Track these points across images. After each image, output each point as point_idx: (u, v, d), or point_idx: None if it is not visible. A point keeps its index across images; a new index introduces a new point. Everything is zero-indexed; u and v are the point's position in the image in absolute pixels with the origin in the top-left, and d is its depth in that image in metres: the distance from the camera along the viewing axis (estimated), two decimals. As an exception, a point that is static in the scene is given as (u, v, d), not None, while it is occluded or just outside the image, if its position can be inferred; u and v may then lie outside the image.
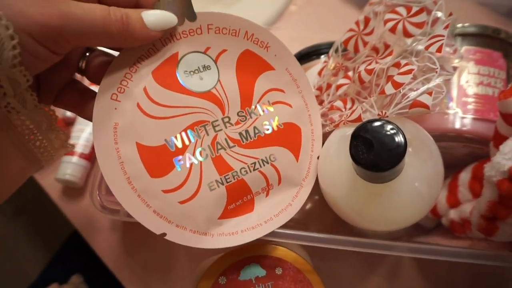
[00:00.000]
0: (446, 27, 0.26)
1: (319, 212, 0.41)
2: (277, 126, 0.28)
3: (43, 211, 0.70)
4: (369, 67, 0.28)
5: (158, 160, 0.25)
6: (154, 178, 0.24)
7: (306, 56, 0.39)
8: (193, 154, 0.26)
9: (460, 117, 0.32)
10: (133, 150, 0.24)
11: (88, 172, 0.40)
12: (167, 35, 0.25)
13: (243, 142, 0.27)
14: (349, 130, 0.26)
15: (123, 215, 0.27)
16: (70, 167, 0.39)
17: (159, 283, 0.38)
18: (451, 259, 0.27)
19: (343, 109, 0.30)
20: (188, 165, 0.25)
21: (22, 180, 0.24)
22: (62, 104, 0.26)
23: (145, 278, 0.38)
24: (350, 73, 0.32)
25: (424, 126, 0.34)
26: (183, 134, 0.25)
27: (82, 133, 0.41)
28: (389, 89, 0.24)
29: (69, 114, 0.43)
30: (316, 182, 0.29)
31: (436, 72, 0.23)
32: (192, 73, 0.26)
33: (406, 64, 0.25)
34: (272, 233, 0.29)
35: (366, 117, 0.25)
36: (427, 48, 0.25)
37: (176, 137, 0.25)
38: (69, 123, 0.43)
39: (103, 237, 0.40)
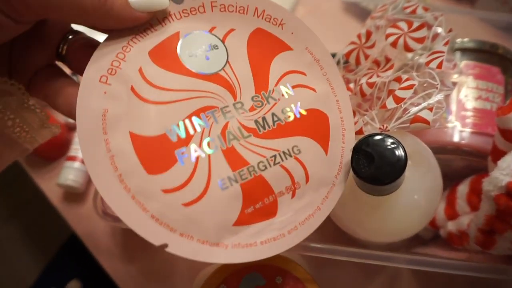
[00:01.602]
0: (446, 43, 0.26)
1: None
2: (299, 112, 0.24)
3: (39, 214, 0.70)
4: (371, 80, 0.29)
5: (157, 153, 0.20)
6: (152, 174, 0.20)
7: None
8: (200, 146, 0.21)
9: (458, 131, 0.33)
10: (126, 141, 0.20)
11: (90, 177, 0.41)
12: (161, 16, 0.22)
13: (260, 131, 0.23)
14: (350, 143, 0.26)
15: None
16: (72, 172, 0.39)
17: (159, 290, 0.38)
18: (449, 271, 0.27)
19: None
20: (193, 159, 0.21)
21: (3, 164, 0.22)
22: (36, 92, 0.22)
23: (145, 285, 0.38)
24: (351, 85, 0.33)
25: (424, 139, 0.34)
26: (187, 121, 0.21)
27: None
28: (390, 103, 0.25)
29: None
30: None
31: (437, 88, 0.24)
32: (196, 53, 0.22)
33: (407, 79, 0.25)
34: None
35: (367, 130, 0.26)
36: (427, 64, 0.25)
37: (178, 125, 0.21)
38: (72, 128, 0.43)
39: (103, 243, 0.40)
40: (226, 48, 0.23)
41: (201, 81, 0.22)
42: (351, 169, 0.22)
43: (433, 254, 0.34)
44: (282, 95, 0.24)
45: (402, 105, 0.24)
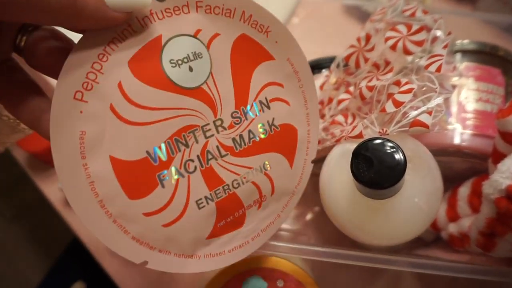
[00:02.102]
0: (445, 46, 0.26)
1: (320, 223, 0.41)
2: (273, 128, 0.25)
3: (44, 216, 0.71)
4: (370, 84, 0.29)
5: (138, 177, 0.20)
6: (133, 200, 0.20)
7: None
8: (180, 168, 0.21)
9: (459, 133, 0.33)
10: (106, 166, 0.19)
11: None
12: (141, 16, 0.20)
13: (237, 149, 0.23)
14: (350, 146, 0.26)
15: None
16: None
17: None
18: (451, 274, 0.27)
19: (344, 124, 0.31)
20: (173, 181, 0.21)
21: None
22: None
23: (147, 288, 0.38)
24: (351, 88, 0.33)
25: (424, 142, 0.34)
26: (169, 142, 0.21)
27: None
28: (389, 107, 0.25)
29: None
30: (317, 192, 0.29)
31: (436, 91, 0.24)
32: (180, 62, 0.21)
33: (406, 83, 0.25)
34: (274, 247, 0.30)
35: (367, 133, 0.26)
36: (426, 67, 0.25)
37: (160, 148, 0.21)
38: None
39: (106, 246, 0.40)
40: (210, 57, 0.22)
41: (184, 97, 0.21)
42: (351, 174, 0.22)
43: (435, 256, 0.34)
44: (260, 110, 0.24)
45: (402, 109, 0.24)
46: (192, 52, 0.21)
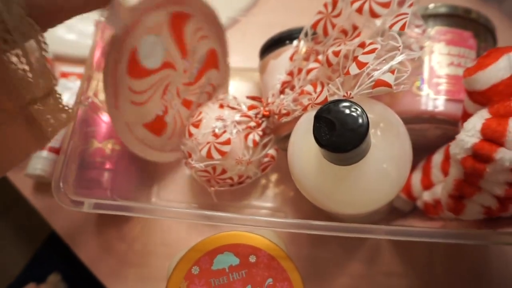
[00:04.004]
0: (410, 5, 0.25)
1: (297, 200, 0.40)
2: (205, 58, 0.38)
3: (24, 208, 0.69)
4: (336, 49, 0.28)
5: (158, 125, 0.35)
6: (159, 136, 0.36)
7: (278, 41, 0.38)
8: (172, 108, 0.35)
9: (432, 99, 0.32)
10: (142, 128, 0.34)
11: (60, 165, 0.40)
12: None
13: (192, 80, 0.37)
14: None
15: (88, 207, 0.26)
16: (40, 162, 0.38)
17: (136, 277, 0.37)
18: (422, 239, 0.27)
19: (314, 93, 0.30)
20: (172, 116, 0.35)
21: (25, 156, 0.23)
22: None
23: (122, 273, 0.37)
24: (320, 57, 0.31)
25: (397, 109, 0.33)
26: (163, 101, 0.34)
27: (53, 127, 0.40)
28: (353, 69, 0.24)
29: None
30: None
31: (399, 50, 0.23)
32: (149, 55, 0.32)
33: (370, 44, 0.24)
34: (245, 220, 0.29)
35: (333, 99, 0.25)
36: (391, 26, 0.24)
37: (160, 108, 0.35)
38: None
39: (78, 232, 0.39)
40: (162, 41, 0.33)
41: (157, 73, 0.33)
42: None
43: (411, 225, 0.34)
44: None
45: (365, 70, 0.23)
46: (153, 46, 0.32)
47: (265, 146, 0.35)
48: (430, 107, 0.32)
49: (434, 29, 0.34)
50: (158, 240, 0.38)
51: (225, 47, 0.40)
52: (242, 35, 0.46)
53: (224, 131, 0.33)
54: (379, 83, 0.23)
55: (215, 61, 0.39)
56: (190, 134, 0.34)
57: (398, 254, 0.38)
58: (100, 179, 0.35)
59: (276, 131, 0.37)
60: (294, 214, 0.40)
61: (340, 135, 0.21)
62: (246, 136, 0.33)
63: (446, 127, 0.33)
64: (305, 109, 0.27)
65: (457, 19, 0.34)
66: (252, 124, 0.33)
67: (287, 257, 0.29)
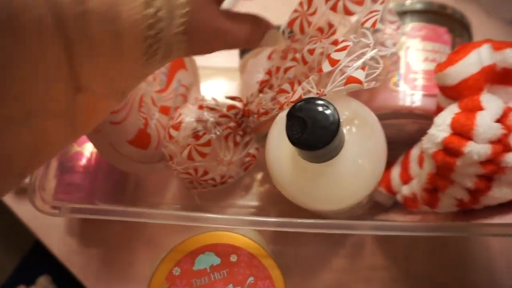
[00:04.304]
0: (382, 2, 0.25)
1: (281, 197, 0.41)
2: (167, 74, 0.38)
3: (7, 217, 0.69)
4: (311, 47, 0.28)
5: (142, 138, 0.34)
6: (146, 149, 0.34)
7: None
8: (152, 119, 0.34)
9: (409, 94, 0.32)
10: (128, 145, 0.33)
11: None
12: None
13: (162, 86, 0.37)
14: (291, 111, 0.25)
15: (65, 212, 0.26)
16: (19, 167, 0.38)
17: (119, 279, 0.37)
18: (401, 233, 0.27)
19: (291, 92, 0.30)
20: (153, 126, 0.35)
21: (62, 148, 0.22)
22: None
23: (105, 275, 0.37)
24: (297, 55, 0.32)
25: (375, 104, 0.34)
26: (141, 114, 0.33)
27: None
28: (326, 66, 0.24)
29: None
30: None
31: (369, 47, 0.23)
32: None
33: (343, 41, 0.25)
34: (227, 220, 0.29)
35: (305, 97, 0.25)
36: (362, 24, 0.25)
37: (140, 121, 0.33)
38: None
39: (60, 237, 0.39)
40: None
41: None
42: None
43: (392, 220, 0.34)
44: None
45: (338, 68, 0.23)
46: None
47: (246, 145, 0.35)
48: (407, 103, 0.32)
49: (410, 25, 0.34)
50: (141, 242, 0.38)
51: None
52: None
53: (205, 133, 0.33)
54: (350, 80, 0.23)
55: (181, 61, 0.39)
56: (171, 137, 0.34)
57: (381, 248, 0.38)
58: (80, 182, 0.35)
59: (256, 130, 0.37)
60: (278, 212, 0.40)
61: (312, 133, 0.21)
62: (226, 137, 0.33)
63: (423, 121, 0.33)
64: (281, 107, 0.27)
65: (432, 15, 0.34)
66: (232, 124, 0.33)
67: (267, 255, 0.30)
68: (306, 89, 0.26)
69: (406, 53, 0.33)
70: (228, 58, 0.44)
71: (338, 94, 0.25)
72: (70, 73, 0.17)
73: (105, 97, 0.20)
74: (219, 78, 0.46)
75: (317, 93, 0.24)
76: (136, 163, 0.34)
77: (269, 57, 0.35)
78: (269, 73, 0.34)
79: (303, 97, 0.25)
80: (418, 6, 0.35)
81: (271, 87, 0.33)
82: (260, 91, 0.33)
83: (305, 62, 0.28)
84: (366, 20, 0.25)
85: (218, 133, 0.33)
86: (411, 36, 0.33)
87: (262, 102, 0.31)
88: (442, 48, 0.33)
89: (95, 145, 0.31)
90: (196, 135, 0.33)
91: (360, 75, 0.22)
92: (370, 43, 0.23)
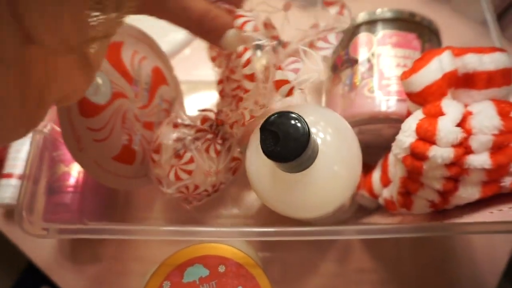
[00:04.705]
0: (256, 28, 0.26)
1: (264, 207, 0.41)
2: (152, 74, 0.38)
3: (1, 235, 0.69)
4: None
5: (127, 154, 0.35)
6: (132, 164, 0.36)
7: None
8: (136, 134, 0.36)
9: (383, 100, 0.34)
10: (113, 162, 0.34)
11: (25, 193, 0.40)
12: None
13: (145, 102, 0.37)
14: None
15: (53, 234, 0.27)
16: (9, 190, 0.38)
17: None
18: (383, 236, 0.28)
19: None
20: (138, 141, 0.36)
21: (71, 91, 0.22)
22: None
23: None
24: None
25: (352, 111, 0.35)
26: (125, 130, 0.34)
27: (19, 154, 0.40)
28: (247, 84, 0.25)
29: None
30: None
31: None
32: (96, 92, 0.32)
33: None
34: (214, 233, 0.30)
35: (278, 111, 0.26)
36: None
37: (124, 137, 0.34)
38: (5, 145, 0.42)
39: (53, 257, 0.39)
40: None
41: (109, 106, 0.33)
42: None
43: (375, 222, 0.35)
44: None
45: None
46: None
47: (228, 151, 0.36)
48: (383, 108, 0.34)
49: (381, 33, 0.35)
50: (133, 257, 0.39)
51: (166, 61, 0.41)
52: (203, 49, 0.47)
53: (185, 151, 0.33)
54: (278, 84, 0.24)
55: (162, 77, 0.40)
56: (154, 161, 0.35)
57: (368, 250, 0.39)
58: (68, 202, 0.35)
59: (240, 142, 0.38)
60: (265, 220, 0.41)
61: (284, 146, 0.22)
62: (207, 149, 0.34)
63: (398, 126, 0.34)
64: (243, 124, 0.28)
65: (402, 22, 0.35)
66: (210, 136, 0.34)
67: (255, 263, 0.30)
68: (249, 107, 0.27)
69: (378, 60, 0.34)
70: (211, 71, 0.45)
71: (311, 105, 0.26)
72: (15, 18, 0.16)
73: (56, 51, 0.19)
74: (203, 91, 0.47)
75: (260, 107, 0.25)
76: (122, 179, 0.35)
77: (213, 60, 0.36)
78: (221, 82, 0.35)
79: (246, 114, 0.26)
80: (388, 14, 0.36)
81: (226, 96, 0.34)
82: (222, 99, 0.34)
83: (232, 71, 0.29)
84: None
85: (198, 147, 0.34)
86: (382, 44, 0.35)
87: (229, 114, 0.32)
88: (412, 53, 0.34)
89: (80, 164, 0.31)
90: (177, 155, 0.33)
91: (282, 75, 0.23)
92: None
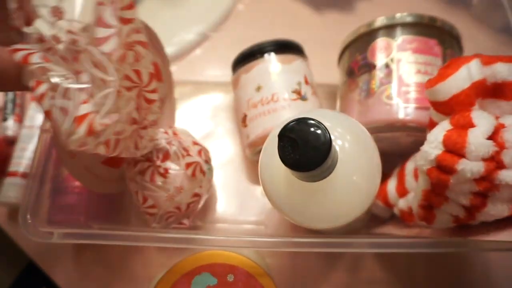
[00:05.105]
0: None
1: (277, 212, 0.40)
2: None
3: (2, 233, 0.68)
4: None
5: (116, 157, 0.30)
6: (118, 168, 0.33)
7: (249, 55, 0.38)
8: None
9: (402, 107, 0.32)
10: (101, 166, 0.32)
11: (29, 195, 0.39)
12: None
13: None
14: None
15: (58, 238, 0.26)
16: (13, 189, 0.37)
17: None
18: (399, 250, 0.27)
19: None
20: None
21: None
22: None
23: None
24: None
25: (369, 118, 0.34)
26: None
27: (25, 152, 0.39)
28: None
29: (10, 132, 0.41)
30: None
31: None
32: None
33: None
34: (223, 241, 0.29)
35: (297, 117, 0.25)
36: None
37: None
38: (11, 142, 0.41)
39: (55, 258, 0.38)
40: None
41: None
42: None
43: (388, 233, 0.34)
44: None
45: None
46: None
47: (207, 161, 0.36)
48: (401, 116, 0.32)
49: (400, 38, 0.34)
50: (138, 263, 0.38)
51: (164, 56, 0.37)
52: (213, 50, 0.46)
53: (137, 192, 0.33)
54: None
55: (157, 73, 0.37)
56: (151, 222, 0.34)
57: (380, 261, 0.38)
58: (74, 203, 0.34)
59: (252, 146, 0.37)
60: (276, 226, 0.40)
61: (304, 154, 0.21)
62: (193, 174, 0.33)
63: (417, 134, 0.33)
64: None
65: (422, 27, 0.34)
66: (146, 164, 0.33)
67: (265, 273, 0.29)
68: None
69: (398, 66, 0.33)
70: (221, 73, 0.44)
71: (328, 111, 0.25)
72: None
73: None
74: (211, 93, 0.46)
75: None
76: (109, 182, 0.34)
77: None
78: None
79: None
80: (409, 18, 0.35)
81: None
82: None
83: None
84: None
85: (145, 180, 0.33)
86: (402, 49, 0.33)
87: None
88: (433, 60, 0.33)
89: (70, 171, 0.30)
90: (178, 207, 0.34)
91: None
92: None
